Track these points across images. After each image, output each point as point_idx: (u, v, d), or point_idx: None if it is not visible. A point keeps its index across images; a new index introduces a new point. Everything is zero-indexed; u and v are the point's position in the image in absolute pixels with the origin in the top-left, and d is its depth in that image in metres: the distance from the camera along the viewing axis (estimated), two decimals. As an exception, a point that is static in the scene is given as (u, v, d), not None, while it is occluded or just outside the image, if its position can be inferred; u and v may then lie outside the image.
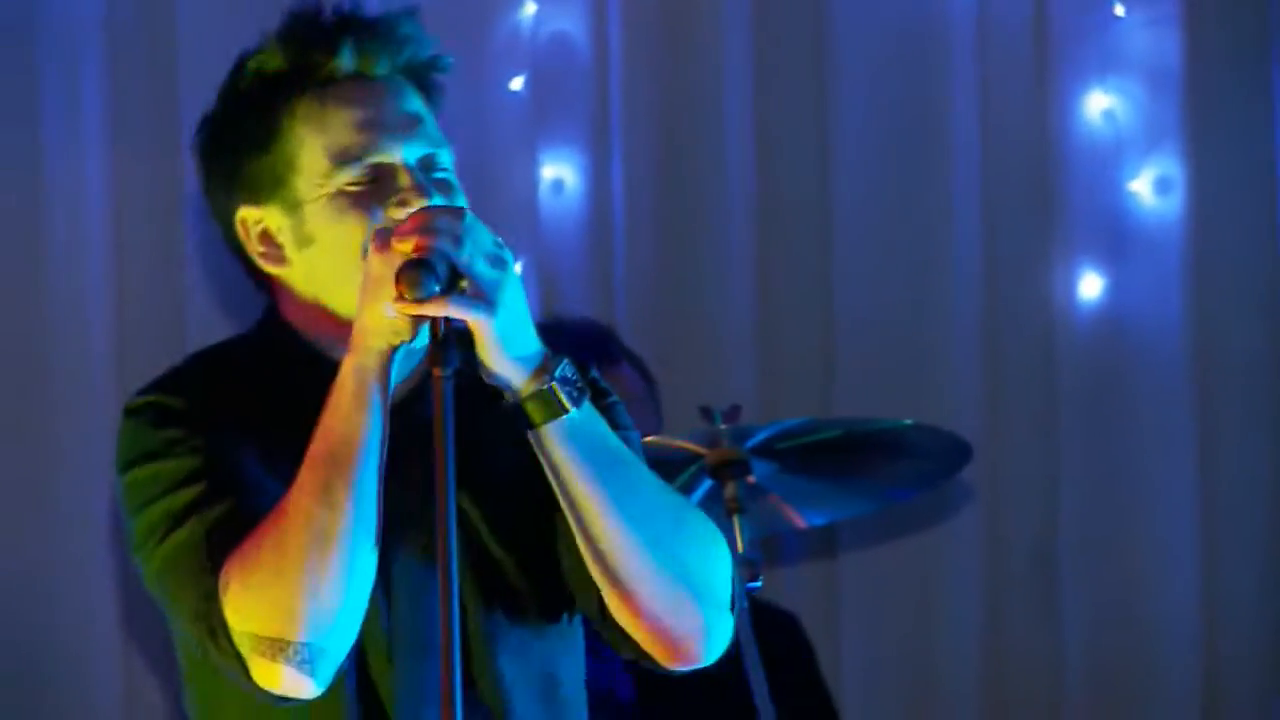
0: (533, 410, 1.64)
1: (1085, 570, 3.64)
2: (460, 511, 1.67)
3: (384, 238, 1.60)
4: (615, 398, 1.87)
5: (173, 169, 3.38)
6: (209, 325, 3.24)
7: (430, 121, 1.79)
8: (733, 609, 1.78)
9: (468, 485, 1.70)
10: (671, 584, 1.71)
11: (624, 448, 1.71)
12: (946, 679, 3.60)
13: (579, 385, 1.66)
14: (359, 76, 1.77)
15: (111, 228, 3.41)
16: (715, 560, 1.76)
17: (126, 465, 1.74)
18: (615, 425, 1.80)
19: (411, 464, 1.67)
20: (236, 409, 1.72)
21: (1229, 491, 3.63)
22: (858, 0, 3.63)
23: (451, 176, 1.77)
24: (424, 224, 1.59)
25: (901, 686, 3.58)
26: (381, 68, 1.77)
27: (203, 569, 1.67)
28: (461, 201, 1.74)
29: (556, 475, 1.67)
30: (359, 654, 1.73)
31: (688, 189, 3.56)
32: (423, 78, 1.82)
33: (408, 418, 1.69)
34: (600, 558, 1.69)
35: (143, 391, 1.76)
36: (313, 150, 1.74)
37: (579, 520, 1.69)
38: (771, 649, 2.79)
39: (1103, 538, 3.64)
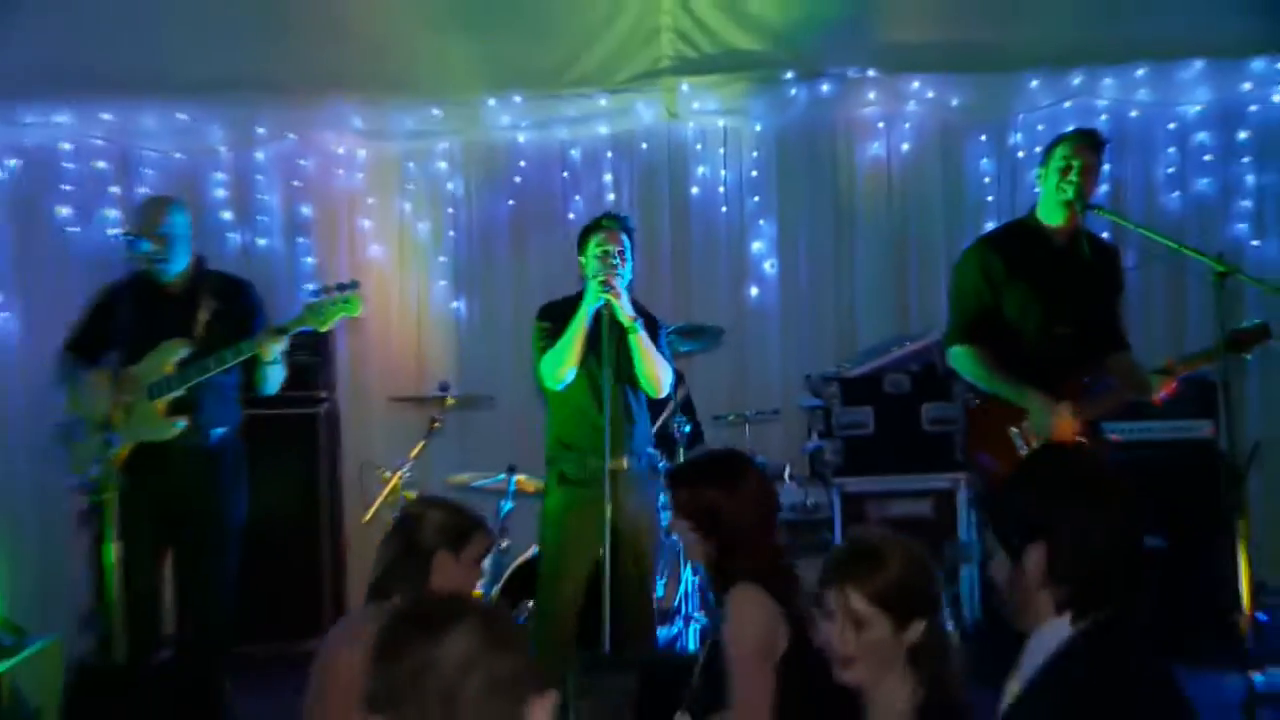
0: (626, 328, 5.14)
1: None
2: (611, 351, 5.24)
3: (600, 277, 5.12)
4: (668, 331, 5.43)
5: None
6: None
7: (623, 241, 5.22)
8: (675, 389, 5.68)
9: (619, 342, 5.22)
10: (655, 375, 5.16)
11: (653, 344, 5.11)
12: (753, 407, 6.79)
13: (643, 325, 5.15)
14: (603, 229, 5.28)
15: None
16: (669, 375, 5.20)
17: (536, 316, 5.41)
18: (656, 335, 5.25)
19: (612, 336, 5.21)
20: (562, 313, 5.31)
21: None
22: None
23: (627, 255, 5.24)
24: (610, 271, 5.14)
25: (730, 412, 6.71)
26: (613, 226, 5.26)
27: (538, 357, 5.29)
28: (624, 268, 5.17)
29: (629, 343, 5.15)
30: (591, 376, 5.27)
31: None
32: (627, 232, 5.28)
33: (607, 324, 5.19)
34: (638, 365, 5.21)
35: (558, 299, 5.45)
36: (589, 247, 5.33)
37: (635, 355, 5.15)
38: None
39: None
